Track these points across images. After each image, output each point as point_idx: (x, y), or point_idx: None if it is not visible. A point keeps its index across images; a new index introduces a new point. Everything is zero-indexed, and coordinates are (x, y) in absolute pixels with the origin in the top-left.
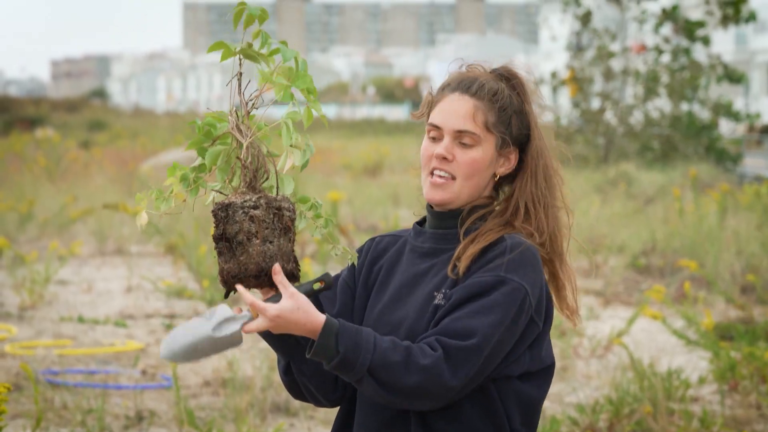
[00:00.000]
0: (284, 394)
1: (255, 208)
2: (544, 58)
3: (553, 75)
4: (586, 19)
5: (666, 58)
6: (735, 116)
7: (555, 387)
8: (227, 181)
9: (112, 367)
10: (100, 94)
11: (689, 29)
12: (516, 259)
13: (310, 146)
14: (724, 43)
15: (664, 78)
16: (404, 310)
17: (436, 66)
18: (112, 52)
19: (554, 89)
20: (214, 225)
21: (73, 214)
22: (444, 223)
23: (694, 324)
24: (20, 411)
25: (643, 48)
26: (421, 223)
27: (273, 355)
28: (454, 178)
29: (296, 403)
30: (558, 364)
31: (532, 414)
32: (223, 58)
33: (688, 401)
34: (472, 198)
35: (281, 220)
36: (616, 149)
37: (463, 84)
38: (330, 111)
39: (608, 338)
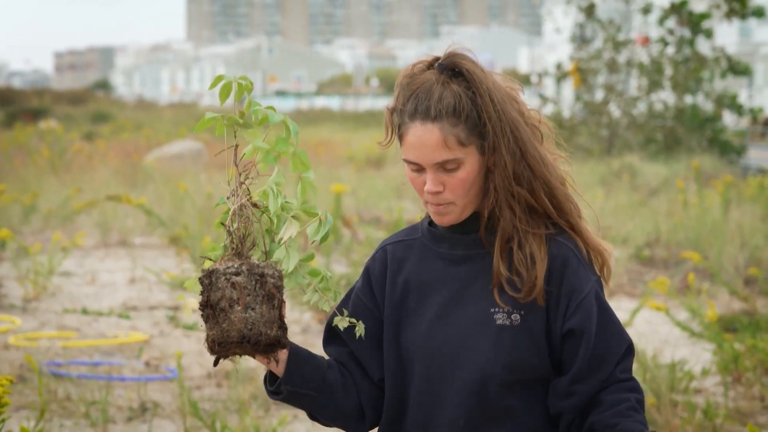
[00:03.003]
0: None
1: (237, 274)
2: (548, 50)
3: (557, 67)
4: (590, 10)
5: (670, 50)
6: (739, 109)
7: None
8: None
9: (115, 359)
10: (104, 85)
11: (694, 21)
12: (585, 257)
13: (328, 218)
14: (728, 35)
15: (668, 70)
16: (457, 327)
17: None
18: (115, 44)
19: (558, 81)
20: (200, 292)
21: (77, 205)
22: (463, 228)
23: (698, 316)
24: (24, 402)
25: (647, 40)
26: (431, 222)
27: None
28: (452, 202)
29: None
30: None
31: None
32: (219, 131)
33: (692, 393)
34: (479, 201)
35: (264, 286)
36: (620, 141)
37: (420, 109)
38: (334, 103)
39: None
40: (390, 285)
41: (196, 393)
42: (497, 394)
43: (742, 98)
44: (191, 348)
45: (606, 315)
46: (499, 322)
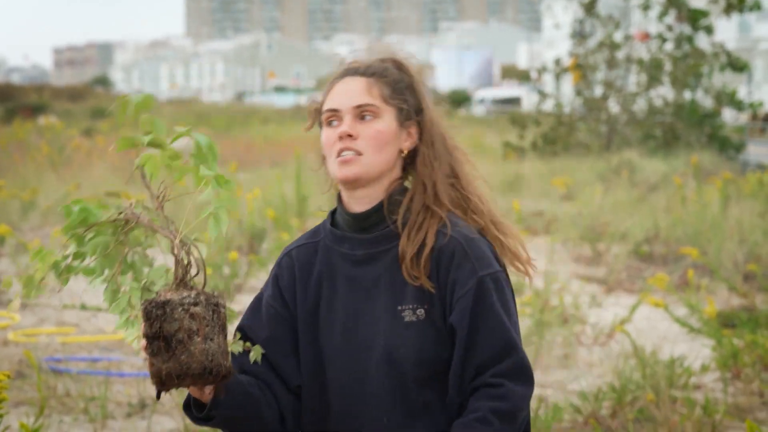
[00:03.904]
0: None
1: (195, 305)
2: (547, 46)
3: (556, 62)
4: (589, 6)
5: (669, 46)
6: (738, 104)
7: (558, 374)
8: (116, 274)
9: (115, 355)
10: (103, 81)
11: (693, 17)
12: (478, 251)
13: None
14: (727, 31)
15: (668, 66)
16: (370, 328)
17: (439, 54)
18: (114, 40)
19: (557, 77)
20: (145, 323)
21: (76, 202)
22: (367, 222)
23: (697, 312)
24: (23, 398)
25: (646, 36)
26: (332, 222)
27: None
28: (361, 153)
29: None
30: (560, 352)
31: None
32: (121, 148)
33: (691, 389)
34: (383, 173)
35: (219, 316)
36: (618, 137)
37: (351, 69)
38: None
39: (611, 326)
40: (301, 290)
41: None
42: (414, 391)
43: (741, 94)
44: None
45: (487, 314)
46: (406, 318)
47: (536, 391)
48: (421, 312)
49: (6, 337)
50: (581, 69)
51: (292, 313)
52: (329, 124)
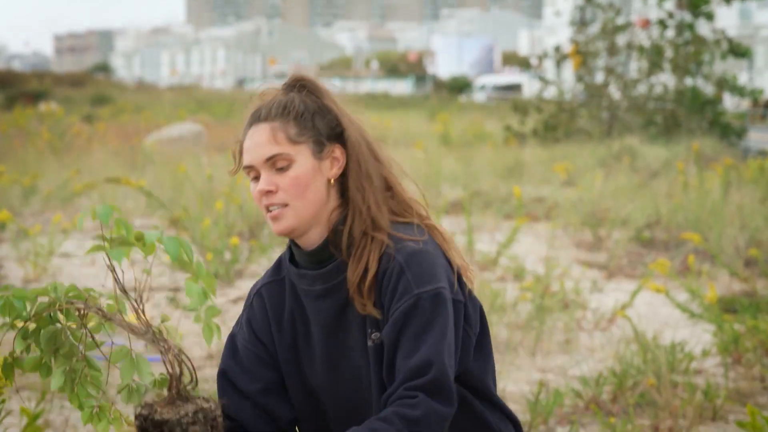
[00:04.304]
0: None
1: (193, 423)
2: (548, 33)
3: (557, 49)
4: None
5: (670, 32)
6: (739, 91)
7: (559, 360)
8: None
9: (116, 339)
10: (104, 68)
11: (693, 4)
12: (417, 269)
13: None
14: (728, 18)
15: (668, 52)
16: (350, 360)
17: (440, 41)
18: (115, 27)
19: (558, 63)
20: None
21: (77, 187)
22: (319, 257)
23: (698, 297)
24: (24, 383)
25: (647, 23)
26: (290, 258)
27: None
28: (286, 205)
29: None
30: (561, 337)
31: (491, 372)
32: (91, 250)
33: (692, 374)
34: (316, 213)
35: (217, 429)
36: (619, 123)
37: (254, 115)
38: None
39: (612, 311)
40: (276, 330)
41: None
42: None
43: (743, 81)
44: (191, 329)
45: (413, 331)
46: (369, 343)
47: (537, 376)
48: (377, 335)
49: None
50: (582, 56)
51: (271, 353)
52: (252, 179)
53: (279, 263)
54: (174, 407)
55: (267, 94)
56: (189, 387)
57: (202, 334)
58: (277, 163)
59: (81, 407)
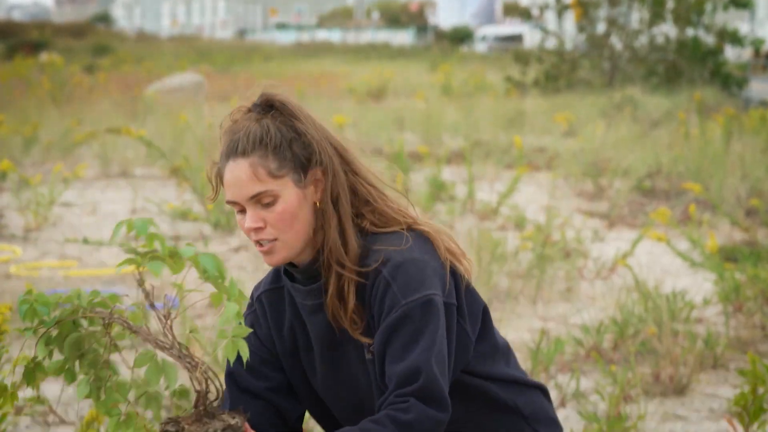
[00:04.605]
0: None
1: None
2: None
3: (558, 0)
4: None
5: None
6: (740, 41)
7: (560, 308)
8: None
9: (117, 288)
10: (105, 18)
11: None
12: (403, 279)
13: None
14: None
15: (670, 3)
16: (349, 371)
17: None
18: None
19: (559, 14)
20: None
21: (78, 137)
22: (309, 273)
23: (699, 246)
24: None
25: None
26: (285, 270)
27: None
28: (276, 238)
29: None
30: (562, 286)
31: (502, 353)
32: (123, 263)
33: (693, 322)
34: (306, 239)
35: None
36: (621, 74)
37: (231, 148)
38: (335, 36)
39: (613, 260)
40: (278, 337)
41: (198, 321)
42: None
43: (744, 31)
44: (192, 277)
45: (403, 338)
46: (368, 356)
47: (538, 324)
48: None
49: (8, 270)
50: (583, 6)
51: (278, 358)
52: (237, 210)
53: (277, 270)
54: (201, 424)
55: (236, 115)
56: (215, 404)
57: (224, 349)
58: (263, 200)
59: (109, 414)
